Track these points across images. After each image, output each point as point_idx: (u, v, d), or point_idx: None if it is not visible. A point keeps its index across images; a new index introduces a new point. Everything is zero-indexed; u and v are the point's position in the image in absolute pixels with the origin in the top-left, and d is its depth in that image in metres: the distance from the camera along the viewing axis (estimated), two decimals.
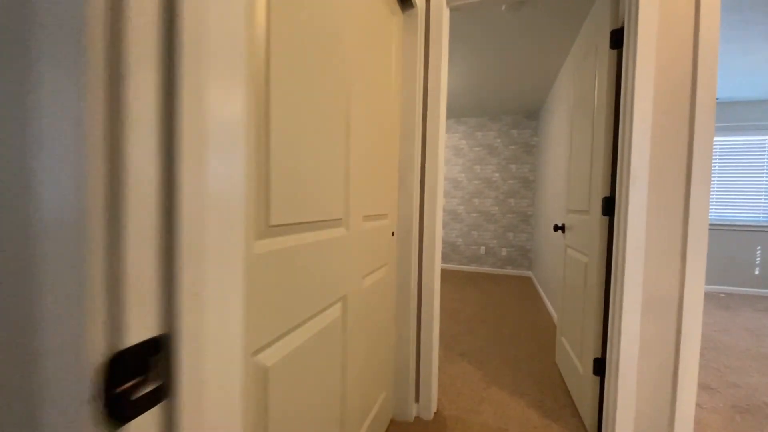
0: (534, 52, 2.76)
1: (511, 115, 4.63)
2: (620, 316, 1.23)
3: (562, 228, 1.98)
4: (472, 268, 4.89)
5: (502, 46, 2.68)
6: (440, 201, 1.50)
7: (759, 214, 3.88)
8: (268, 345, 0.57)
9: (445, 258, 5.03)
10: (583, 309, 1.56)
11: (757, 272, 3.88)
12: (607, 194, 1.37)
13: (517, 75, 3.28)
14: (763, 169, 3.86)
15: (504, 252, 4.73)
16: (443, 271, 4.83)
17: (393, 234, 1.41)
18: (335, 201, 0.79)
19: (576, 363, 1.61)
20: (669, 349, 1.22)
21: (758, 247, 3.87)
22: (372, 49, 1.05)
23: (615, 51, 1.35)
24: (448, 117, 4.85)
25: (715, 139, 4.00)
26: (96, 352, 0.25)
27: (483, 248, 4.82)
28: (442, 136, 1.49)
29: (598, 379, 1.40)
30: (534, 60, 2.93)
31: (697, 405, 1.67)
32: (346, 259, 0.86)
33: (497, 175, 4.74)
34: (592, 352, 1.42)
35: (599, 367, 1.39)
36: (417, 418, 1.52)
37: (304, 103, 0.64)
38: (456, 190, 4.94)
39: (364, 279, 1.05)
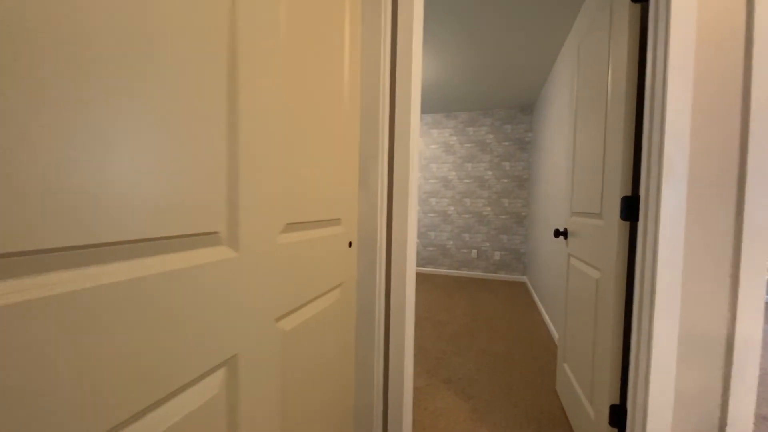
0: (530, 32, 2.45)
1: (504, 109, 4.33)
2: (648, 357, 0.92)
3: (564, 233, 1.67)
4: (463, 272, 4.58)
5: (494, 27, 2.37)
6: (413, 203, 1.18)
7: None
8: None
9: (434, 262, 4.71)
10: (594, 337, 1.25)
11: None
12: (628, 193, 1.06)
13: (510, 63, 2.97)
14: None
15: (497, 255, 4.43)
16: (432, 276, 4.52)
17: (350, 245, 1.08)
18: (200, 203, 0.46)
19: (585, 405, 1.30)
20: (713, 403, 0.91)
21: None
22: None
23: (638, 6, 1.04)
24: (437, 111, 4.54)
25: None
26: None
27: (474, 251, 4.51)
28: (415, 123, 1.16)
29: (615, 431, 1.09)
30: (530, 43, 2.62)
31: None
32: (233, 298, 0.53)
33: (490, 173, 4.44)
34: (607, 396, 1.11)
35: (618, 416, 1.08)
36: None
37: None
38: (446, 190, 4.62)
39: (285, 319, 0.72)
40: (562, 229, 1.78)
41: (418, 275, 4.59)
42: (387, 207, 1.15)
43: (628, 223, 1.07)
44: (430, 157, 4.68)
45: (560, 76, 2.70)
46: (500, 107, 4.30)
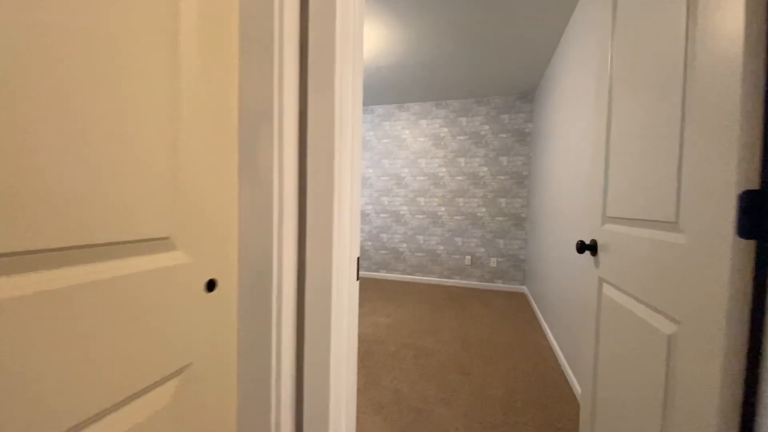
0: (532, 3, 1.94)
1: (501, 96, 3.84)
2: None
3: (592, 248, 1.16)
4: (456, 281, 4.07)
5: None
6: (354, 201, 0.66)
7: None
8: None
9: (422, 270, 4.20)
10: (662, 425, 0.74)
11: None
12: (756, 186, 0.55)
13: (508, 42, 2.46)
14: None
15: (493, 263, 3.93)
16: (420, 286, 4.00)
17: (213, 286, 0.55)
18: None
19: None
20: None
21: None
22: None
23: None
24: (426, 99, 4.03)
25: None
26: None
27: (468, 258, 4.01)
28: (354, 54, 0.64)
29: None
30: (531, 9, 2.11)
31: None
32: None
33: (485, 169, 3.94)
34: None
35: None
36: None
37: None
38: (436, 188, 4.11)
39: None
40: (588, 242, 1.28)
41: (404, 285, 4.08)
42: (298, 210, 0.63)
43: (752, 242, 0.55)
44: (418, 151, 4.17)
45: (571, 50, 2.20)
46: (496, 94, 3.80)
